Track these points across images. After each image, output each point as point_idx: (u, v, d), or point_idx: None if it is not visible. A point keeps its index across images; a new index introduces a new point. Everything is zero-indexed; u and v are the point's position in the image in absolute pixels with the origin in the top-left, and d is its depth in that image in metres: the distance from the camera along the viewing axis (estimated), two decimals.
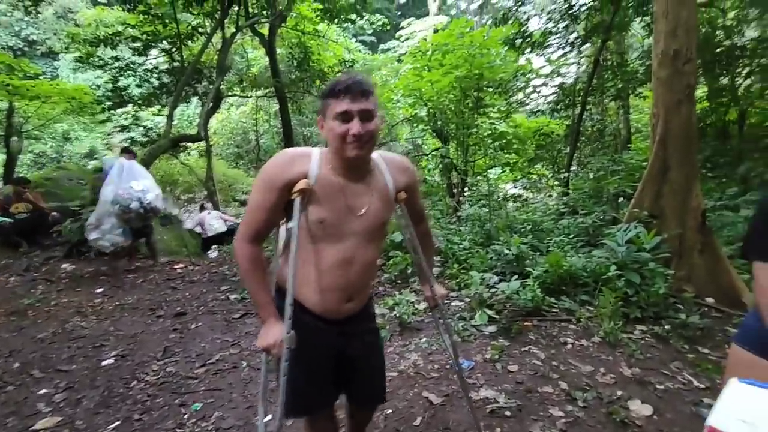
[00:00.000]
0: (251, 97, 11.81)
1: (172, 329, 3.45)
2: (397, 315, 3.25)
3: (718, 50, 7.15)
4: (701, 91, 7.54)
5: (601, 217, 4.79)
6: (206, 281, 4.75)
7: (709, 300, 3.39)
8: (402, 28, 15.99)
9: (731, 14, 7.57)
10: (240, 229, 1.23)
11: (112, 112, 9.41)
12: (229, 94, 10.72)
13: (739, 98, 7.09)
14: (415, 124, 10.31)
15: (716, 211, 5.11)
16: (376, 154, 1.28)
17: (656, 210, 3.73)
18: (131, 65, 9.09)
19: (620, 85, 8.02)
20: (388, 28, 11.36)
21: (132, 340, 3.26)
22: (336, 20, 9.43)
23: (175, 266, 5.35)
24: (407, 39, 15.20)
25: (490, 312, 3.15)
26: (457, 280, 3.97)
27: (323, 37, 10.44)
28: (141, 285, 4.66)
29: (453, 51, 7.97)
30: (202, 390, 2.53)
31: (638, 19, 7.85)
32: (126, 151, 5.26)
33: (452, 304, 3.59)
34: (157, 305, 4.00)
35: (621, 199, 5.83)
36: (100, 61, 8.88)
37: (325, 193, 1.17)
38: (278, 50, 9.77)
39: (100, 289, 4.45)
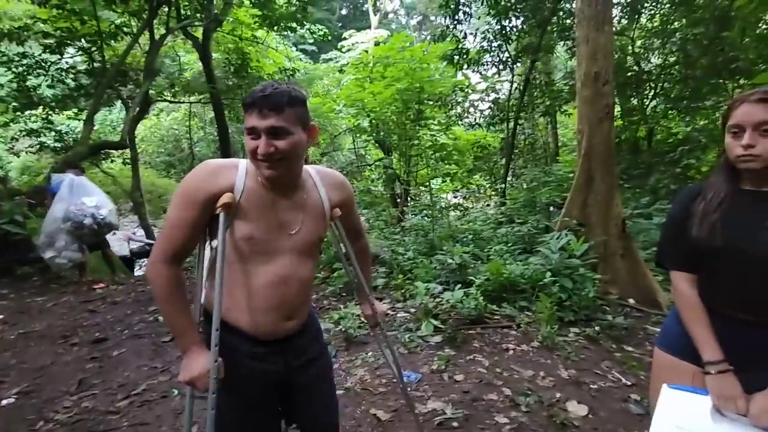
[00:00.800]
0: (184, 102, 11.15)
1: (90, 358, 3.07)
2: (343, 329, 3.16)
3: (629, 74, 7.98)
4: (616, 111, 8.36)
5: (536, 225, 5.06)
6: (131, 302, 4.32)
7: (631, 301, 3.69)
8: (343, 39, 16.09)
9: (639, 42, 8.51)
10: (155, 249, 1.10)
11: (18, 114, 8.38)
12: (159, 99, 10.03)
13: (648, 117, 7.93)
14: (357, 135, 10.35)
15: (632, 219, 5.62)
16: (310, 168, 1.22)
17: (583, 218, 4.02)
18: (42, 63, 8.18)
19: (548, 103, 8.65)
20: (329, 38, 11.35)
21: (39, 373, 2.85)
22: (275, 27, 9.23)
23: (95, 286, 4.82)
24: (349, 50, 15.31)
25: (435, 322, 3.17)
26: (402, 291, 3.97)
27: (262, 44, 10.16)
28: (51, 309, 4.12)
29: (394, 64, 8.14)
30: (125, 426, 2.26)
31: (561, 43, 8.54)
32: (73, 167, 5.24)
33: (398, 315, 3.58)
34: (71, 331, 3.55)
35: (552, 208, 6.23)
36: (3, 57, 7.90)
37: (254, 208, 1.09)
38: (214, 55, 9.34)
39: (0, 316, 3.87)
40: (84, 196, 4.84)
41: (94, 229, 4.78)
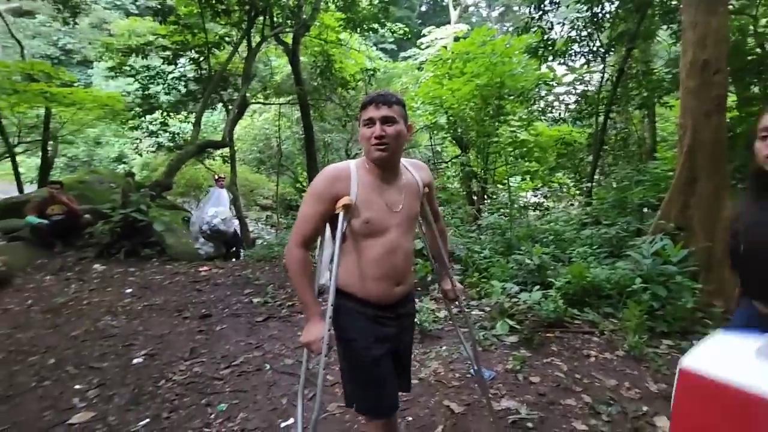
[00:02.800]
0: (274, 104, 12.05)
1: (198, 330, 3.55)
2: (418, 322, 3.26)
3: (749, 58, 6.96)
4: (731, 100, 7.34)
5: (625, 228, 4.70)
6: (230, 284, 4.87)
7: None
8: (423, 36, 16.09)
9: (763, 21, 7.37)
10: (292, 236, 1.41)
11: (142, 118, 9.77)
12: (253, 101, 10.97)
13: None
14: (435, 132, 10.34)
15: None
16: (402, 159, 1.46)
17: (683, 222, 3.66)
18: (161, 73, 9.43)
19: (645, 94, 7.88)
20: (409, 36, 11.46)
21: (160, 340, 3.38)
22: (358, 29, 9.58)
23: (200, 269, 5.50)
24: (428, 47, 15.28)
25: (511, 322, 3.14)
26: (478, 289, 3.96)
27: (345, 45, 10.60)
28: (167, 287, 4.80)
29: (474, 59, 7.99)
30: (227, 391, 2.60)
31: (665, 27, 7.72)
32: (217, 180, 6.81)
33: (473, 312, 3.59)
34: (183, 307, 4.12)
35: (646, 209, 5.70)
36: (132, 70, 9.24)
37: (367, 195, 1.35)
38: (301, 58, 9.97)
39: (129, 290, 4.61)
40: (212, 207, 6.18)
41: (208, 234, 6.02)
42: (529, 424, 2.15)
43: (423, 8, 25.31)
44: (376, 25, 9.33)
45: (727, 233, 3.42)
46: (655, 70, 8.32)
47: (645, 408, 2.24)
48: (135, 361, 3.03)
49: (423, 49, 15.31)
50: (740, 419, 0.87)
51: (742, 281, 1.30)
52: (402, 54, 17.95)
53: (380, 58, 15.27)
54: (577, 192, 8.67)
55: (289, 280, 1.39)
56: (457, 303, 1.76)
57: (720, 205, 3.54)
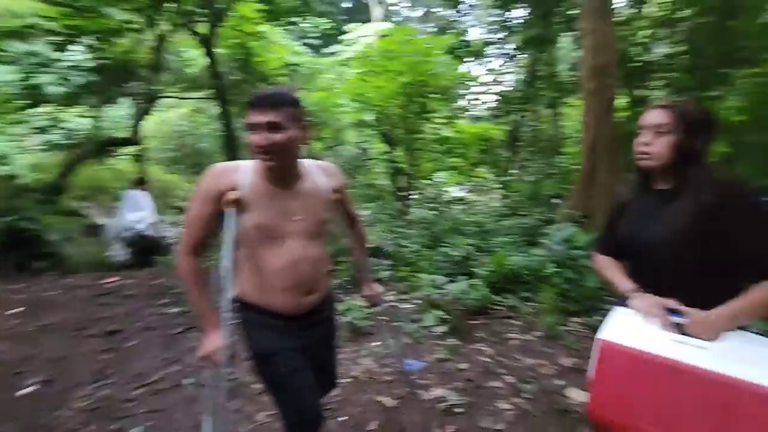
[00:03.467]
0: (189, 98, 11.21)
1: (104, 349, 3.17)
2: (349, 320, 3.23)
3: (634, 65, 7.92)
4: (624, 101, 8.30)
5: (540, 217, 5.09)
6: (143, 295, 4.42)
7: None
8: (346, 32, 16.00)
9: (643, 33, 8.42)
10: (181, 244, 1.31)
11: (26, 112, 8.49)
12: (164, 95, 10.10)
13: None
14: (362, 129, 10.37)
15: None
16: (308, 162, 1.38)
17: (587, 210, 4.05)
18: (48, 61, 8.26)
19: (553, 95, 8.61)
20: (334, 32, 11.33)
21: (57, 363, 2.95)
22: (278, 22, 9.24)
23: (107, 280, 4.93)
24: (352, 44, 15.23)
25: (439, 312, 3.23)
26: (407, 283, 4.03)
27: (266, 38, 10.17)
28: (66, 303, 4.23)
29: (398, 57, 8.13)
30: (142, 412, 2.35)
31: (567, 35, 8.48)
32: (140, 184, 6.27)
33: (402, 306, 3.64)
34: (85, 324, 3.65)
35: (556, 200, 6.25)
36: (11, 56, 7.98)
37: (259, 200, 1.25)
38: (219, 50, 9.37)
39: (17, 310, 3.99)
40: (133, 211, 5.72)
41: (136, 240, 5.64)
42: (459, 410, 2.22)
43: (346, 5, 25.20)
44: (296, 18, 9.07)
45: None
46: (560, 73, 9.13)
47: (560, 382, 2.43)
48: (26, 390, 2.62)
49: (347, 46, 15.23)
50: (651, 380, 0.99)
51: (632, 275, 1.32)
52: (326, 50, 17.69)
53: (304, 53, 14.90)
54: (498, 185, 9.24)
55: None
56: (378, 308, 1.75)
57: (616, 195, 3.97)
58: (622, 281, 1.29)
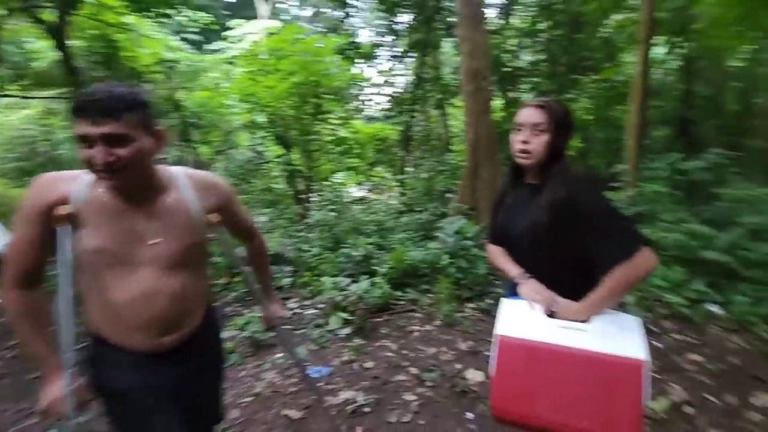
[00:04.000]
0: (37, 97, 9.49)
1: None
2: (249, 335, 3.03)
3: (506, 70, 8.84)
4: (500, 102, 9.21)
5: (434, 212, 5.37)
6: None
7: None
8: (231, 28, 15.07)
9: (512, 41, 9.45)
10: (5, 275, 1.05)
11: None
12: (2, 93, 8.41)
13: None
14: (254, 131, 9.87)
15: None
16: (178, 171, 1.14)
17: (473, 203, 4.39)
18: None
19: (439, 96, 9.19)
20: (216, 27, 10.56)
21: None
22: (146, 13, 8.30)
23: None
24: (238, 41, 14.41)
25: (344, 314, 3.20)
26: (310, 288, 3.93)
27: (135, 31, 9.07)
28: None
29: (288, 57, 7.90)
30: None
31: (448, 40, 9.12)
32: None
33: (306, 312, 3.54)
34: None
35: (448, 194, 6.67)
36: None
37: (99, 217, 1.01)
38: (76, 43, 8.08)
39: None
40: None
41: None
42: (367, 409, 2.22)
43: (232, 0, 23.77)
44: (168, 11, 8.26)
45: None
46: (445, 76, 9.78)
47: (458, 366, 2.58)
48: None
49: (232, 43, 14.37)
50: (545, 368, 1.07)
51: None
52: (209, 46, 16.45)
53: (183, 49, 13.65)
54: (395, 183, 9.55)
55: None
56: (276, 330, 1.57)
57: (496, 188, 4.38)
58: (510, 267, 1.37)
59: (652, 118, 7.25)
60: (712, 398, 2.10)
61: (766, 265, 3.24)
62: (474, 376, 2.45)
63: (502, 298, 1.32)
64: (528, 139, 1.23)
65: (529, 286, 1.28)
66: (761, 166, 6.56)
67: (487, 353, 2.72)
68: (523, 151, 1.24)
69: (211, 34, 14.94)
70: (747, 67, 8.90)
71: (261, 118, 8.85)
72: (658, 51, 7.34)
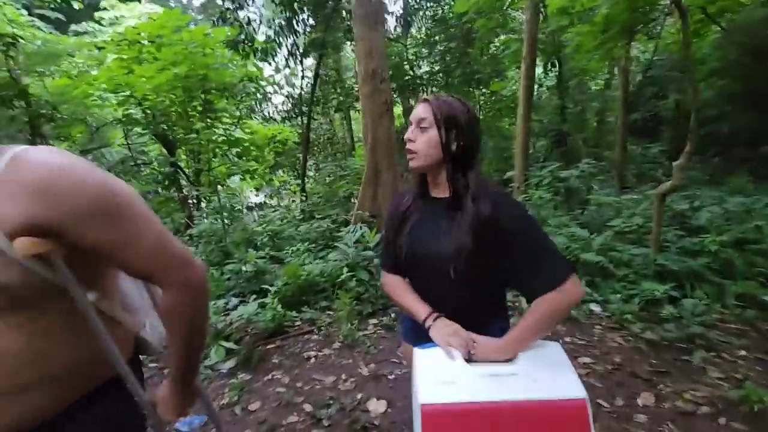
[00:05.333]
0: None
1: None
2: None
3: (406, 77, 8.98)
4: (399, 109, 9.32)
5: (335, 219, 5.09)
6: None
7: None
8: (103, 9, 13.06)
9: (411, 50, 9.66)
10: None
11: None
12: None
13: None
14: (129, 127, 8.56)
15: None
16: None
17: (375, 210, 4.20)
18: None
19: (341, 99, 8.97)
20: (81, 5, 9.00)
21: None
22: None
23: None
24: (111, 24, 12.53)
25: (227, 344, 2.74)
26: None
27: None
28: None
29: (169, 45, 6.98)
30: None
31: (348, 43, 8.95)
32: None
33: None
34: None
35: (352, 200, 6.45)
36: None
37: None
38: None
39: None
40: None
41: None
42: None
43: None
44: None
45: None
46: (346, 79, 9.61)
47: (359, 395, 2.31)
48: None
49: (104, 26, 12.46)
50: (481, 429, 0.91)
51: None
52: (74, 27, 14.04)
53: (38, 27, 11.39)
54: (297, 188, 9.08)
55: None
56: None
57: (392, 204, 4.25)
58: (416, 308, 1.14)
59: (534, 130, 7.93)
60: (604, 403, 2.15)
61: (630, 264, 3.60)
62: (376, 407, 2.20)
63: (415, 348, 1.09)
64: (412, 137, 1.07)
65: (441, 328, 1.07)
66: (617, 175, 7.55)
67: (390, 377, 2.50)
68: (408, 151, 1.08)
69: (77, 13, 12.77)
70: (602, 90, 10.34)
71: (137, 113, 7.71)
72: (538, 70, 8.07)
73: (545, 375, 0.95)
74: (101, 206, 0.67)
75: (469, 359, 1.01)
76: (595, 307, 3.30)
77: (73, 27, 14.34)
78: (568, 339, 2.87)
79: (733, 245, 3.46)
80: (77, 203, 0.65)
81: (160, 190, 7.67)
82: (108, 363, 0.79)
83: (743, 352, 2.53)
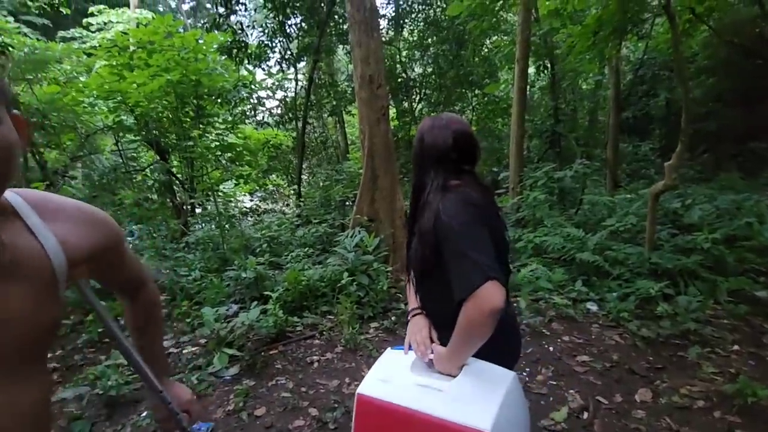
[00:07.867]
0: None
1: None
2: (101, 391, 2.39)
3: (399, 80, 9.02)
4: (393, 111, 9.36)
5: (332, 224, 5.11)
6: None
7: None
8: (92, 15, 12.96)
9: (404, 53, 9.71)
10: None
11: None
12: None
13: (416, 118, 9.17)
14: (121, 134, 8.50)
15: None
16: (14, 195, 0.63)
17: (372, 214, 4.23)
18: None
19: (334, 103, 8.99)
20: (68, 11, 8.92)
21: None
22: None
23: None
24: (100, 29, 12.43)
25: (230, 350, 2.74)
26: (189, 320, 3.34)
27: None
28: None
29: (161, 51, 6.96)
30: None
31: (341, 47, 8.98)
32: None
33: (184, 351, 2.97)
34: None
35: (347, 204, 6.47)
36: None
37: None
38: None
39: None
40: None
41: None
42: None
43: None
44: None
45: (401, 220, 4.10)
46: (339, 83, 9.63)
47: None
48: None
49: (93, 32, 12.36)
50: (398, 430, 1.00)
51: None
52: (62, 33, 13.89)
53: (24, 34, 11.26)
54: (292, 192, 9.06)
55: None
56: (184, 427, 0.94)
57: (395, 197, 4.28)
58: (410, 299, 1.26)
59: (528, 130, 8.00)
60: (604, 400, 2.20)
61: (625, 263, 3.66)
62: None
63: (388, 348, 1.22)
64: None
65: (410, 326, 1.19)
66: (609, 174, 7.65)
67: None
68: None
69: (64, 20, 12.64)
70: (593, 89, 10.47)
71: (129, 120, 7.66)
72: (531, 70, 8.15)
73: (468, 399, 0.97)
74: (117, 233, 0.79)
75: (430, 364, 1.09)
76: (592, 306, 3.35)
77: (60, 33, 14.21)
78: (566, 338, 2.92)
79: (725, 242, 3.54)
80: (116, 229, 0.78)
81: (154, 196, 7.62)
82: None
83: (736, 347, 2.59)
